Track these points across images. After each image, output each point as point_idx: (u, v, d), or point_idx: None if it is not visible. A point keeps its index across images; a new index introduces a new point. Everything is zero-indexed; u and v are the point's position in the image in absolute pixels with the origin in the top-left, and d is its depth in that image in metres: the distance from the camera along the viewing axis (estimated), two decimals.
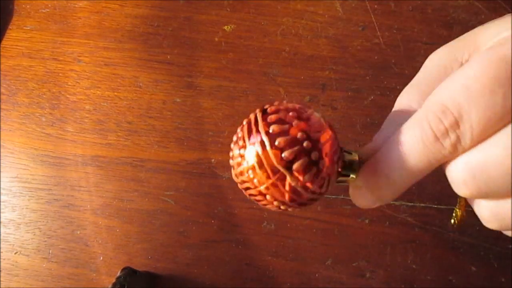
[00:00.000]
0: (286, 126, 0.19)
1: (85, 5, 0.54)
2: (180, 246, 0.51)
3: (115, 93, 0.52)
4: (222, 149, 0.50)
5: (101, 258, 0.52)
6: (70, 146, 0.53)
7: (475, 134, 0.16)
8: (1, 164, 0.53)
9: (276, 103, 0.21)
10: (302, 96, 0.50)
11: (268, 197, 0.19)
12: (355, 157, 0.21)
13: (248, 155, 0.19)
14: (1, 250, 0.53)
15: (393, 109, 0.22)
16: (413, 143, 0.18)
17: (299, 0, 0.52)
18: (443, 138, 0.17)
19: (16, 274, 0.53)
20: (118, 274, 0.50)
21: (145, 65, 0.52)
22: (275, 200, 0.19)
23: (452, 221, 0.23)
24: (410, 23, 0.50)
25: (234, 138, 0.20)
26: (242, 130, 0.20)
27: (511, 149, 0.15)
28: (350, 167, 0.21)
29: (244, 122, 0.20)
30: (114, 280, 0.48)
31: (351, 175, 0.21)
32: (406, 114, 0.20)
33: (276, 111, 0.20)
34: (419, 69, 0.24)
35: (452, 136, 0.17)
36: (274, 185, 0.19)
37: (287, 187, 0.19)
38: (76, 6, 0.54)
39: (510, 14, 0.19)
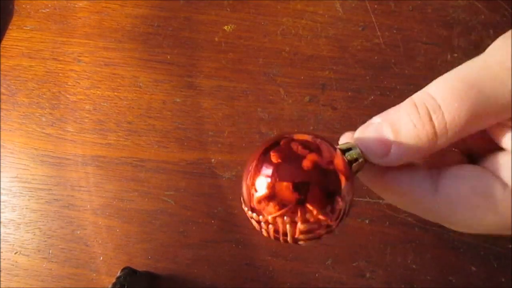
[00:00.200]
0: (298, 158, 0.18)
1: (85, 5, 0.54)
2: (180, 246, 0.51)
3: (115, 93, 0.52)
4: (222, 149, 0.50)
5: (101, 258, 0.52)
6: (70, 146, 0.53)
7: None
8: (1, 164, 0.53)
9: (287, 134, 0.20)
10: (302, 96, 0.50)
11: (278, 230, 0.19)
12: (356, 150, 0.20)
13: (259, 186, 0.19)
14: (1, 250, 0.53)
15: None
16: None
17: (299, 0, 0.52)
18: None
19: (16, 274, 0.53)
20: (118, 274, 0.50)
21: (145, 65, 0.52)
22: (286, 234, 0.19)
23: None
24: (410, 23, 0.50)
25: (247, 167, 0.20)
26: (254, 159, 0.19)
27: None
28: (356, 161, 0.20)
29: (257, 150, 0.20)
30: (114, 280, 0.48)
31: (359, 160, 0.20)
32: None
33: (288, 143, 0.19)
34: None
35: None
36: (285, 218, 0.18)
37: (299, 221, 0.18)
38: (76, 6, 0.54)
39: None
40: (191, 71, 0.52)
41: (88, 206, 0.52)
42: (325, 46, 0.51)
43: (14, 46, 0.54)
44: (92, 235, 0.52)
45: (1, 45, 0.55)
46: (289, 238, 0.19)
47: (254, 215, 0.19)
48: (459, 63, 0.19)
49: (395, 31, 0.50)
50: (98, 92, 0.53)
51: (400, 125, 0.18)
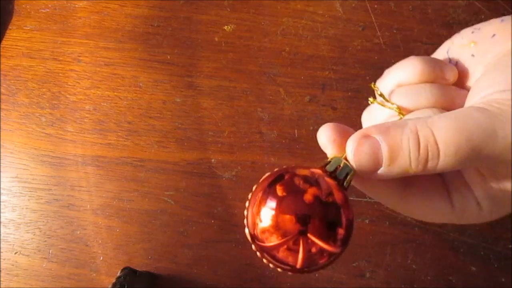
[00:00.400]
0: (301, 192, 0.19)
1: (85, 5, 0.54)
2: (180, 246, 0.51)
3: (115, 93, 0.52)
4: (222, 149, 0.50)
5: (101, 258, 0.52)
6: (70, 146, 0.53)
7: None
8: (1, 164, 0.53)
9: (291, 168, 0.21)
10: (302, 96, 0.50)
11: (281, 261, 0.20)
12: (347, 168, 0.21)
13: (264, 216, 0.20)
14: (1, 250, 0.53)
15: None
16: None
17: (299, 0, 0.52)
18: None
19: (16, 274, 0.53)
20: (118, 274, 0.50)
21: (145, 65, 0.52)
22: (288, 264, 0.20)
23: None
24: (410, 23, 0.50)
25: (249, 196, 0.21)
26: (261, 190, 0.21)
27: None
28: (347, 175, 0.21)
29: (264, 177, 0.21)
30: (114, 280, 0.48)
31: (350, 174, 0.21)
32: None
33: (291, 177, 0.20)
34: None
35: None
36: (288, 249, 0.19)
37: (301, 252, 0.19)
38: (76, 6, 0.54)
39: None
40: (191, 71, 0.52)
41: (88, 206, 0.52)
42: (325, 46, 0.51)
43: (14, 46, 0.54)
44: (92, 235, 0.52)
45: (1, 45, 0.55)
46: (289, 268, 0.20)
47: (259, 244, 0.20)
48: None
49: (395, 31, 0.50)
50: (98, 92, 0.53)
51: (399, 154, 0.19)
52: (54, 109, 0.53)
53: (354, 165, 0.20)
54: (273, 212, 0.19)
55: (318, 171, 0.21)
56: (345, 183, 0.21)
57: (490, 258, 0.47)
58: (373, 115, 0.25)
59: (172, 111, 0.52)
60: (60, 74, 0.53)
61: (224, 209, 0.50)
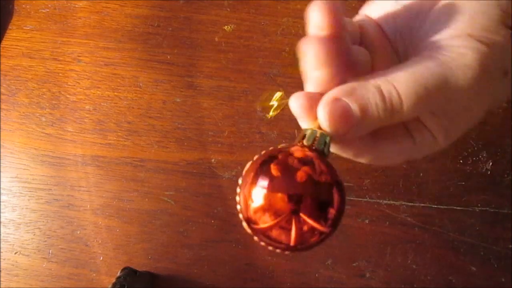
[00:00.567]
0: (292, 170, 0.19)
1: (85, 5, 0.54)
2: (180, 246, 0.51)
3: (115, 93, 0.52)
4: (222, 149, 0.50)
5: (101, 258, 0.52)
6: (70, 146, 0.53)
7: None
8: (1, 164, 0.53)
9: (283, 146, 0.21)
10: None
11: (274, 240, 0.20)
12: (325, 137, 0.21)
13: (255, 196, 0.20)
14: (1, 250, 0.53)
15: None
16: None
17: (299, 0, 0.52)
18: None
19: (16, 274, 0.53)
20: (118, 274, 0.50)
21: (145, 65, 0.52)
22: (282, 243, 0.20)
23: (271, 113, 0.23)
24: None
25: (240, 181, 0.21)
26: (252, 170, 0.20)
27: None
28: (325, 144, 0.21)
29: (254, 159, 0.21)
30: (114, 280, 0.48)
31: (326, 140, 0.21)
32: None
33: (285, 157, 0.20)
34: None
35: None
36: (280, 228, 0.19)
37: (293, 231, 0.19)
38: (76, 6, 0.54)
39: None
40: (191, 71, 0.52)
41: (88, 206, 0.52)
42: None
43: (14, 46, 0.54)
44: (92, 235, 0.52)
45: (1, 45, 0.55)
46: (284, 247, 0.20)
47: (251, 225, 0.20)
48: None
49: None
50: (98, 92, 0.53)
51: (368, 111, 0.20)
52: (54, 109, 0.53)
53: (329, 130, 0.21)
54: (265, 191, 0.19)
55: (297, 148, 0.21)
56: (325, 152, 0.21)
57: (490, 258, 0.47)
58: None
59: (172, 111, 0.52)
60: (60, 74, 0.53)
61: (224, 209, 0.50)
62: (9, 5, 0.55)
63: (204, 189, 0.51)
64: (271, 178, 0.19)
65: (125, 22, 0.53)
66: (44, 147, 0.53)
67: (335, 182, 0.20)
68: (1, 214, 0.53)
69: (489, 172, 0.47)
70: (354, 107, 0.20)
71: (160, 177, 0.51)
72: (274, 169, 0.20)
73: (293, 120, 0.53)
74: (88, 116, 0.53)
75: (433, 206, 0.48)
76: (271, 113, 0.25)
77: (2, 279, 0.53)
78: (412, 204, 0.48)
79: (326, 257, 0.49)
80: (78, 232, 0.52)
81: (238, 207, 0.21)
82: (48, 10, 0.54)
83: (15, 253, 0.53)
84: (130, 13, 0.53)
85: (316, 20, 0.22)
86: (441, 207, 0.48)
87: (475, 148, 0.47)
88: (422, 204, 0.48)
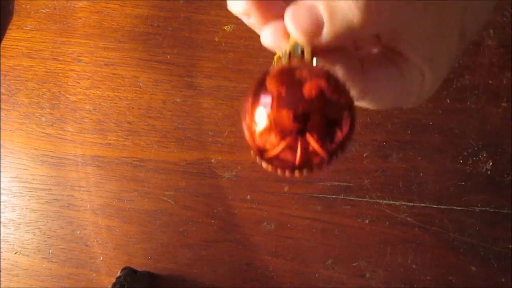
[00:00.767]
0: (299, 85, 0.17)
1: (85, 5, 0.54)
2: (180, 246, 0.51)
3: (115, 93, 0.52)
4: (222, 149, 0.50)
5: (101, 258, 0.52)
6: (70, 146, 0.53)
7: None
8: (1, 164, 0.53)
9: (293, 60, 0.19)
10: None
11: (281, 160, 0.18)
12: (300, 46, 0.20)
13: (258, 117, 0.18)
14: (1, 250, 0.53)
15: None
16: None
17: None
18: None
19: (16, 274, 0.53)
20: (118, 274, 0.50)
21: (145, 65, 0.52)
22: (288, 162, 0.18)
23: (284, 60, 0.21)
24: None
25: (243, 105, 0.19)
26: (250, 93, 0.18)
27: None
28: (302, 53, 0.20)
29: (254, 83, 0.19)
30: (114, 280, 0.48)
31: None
32: None
33: (290, 69, 0.18)
34: None
35: None
36: (286, 149, 0.17)
37: (299, 151, 0.17)
38: (76, 6, 0.54)
39: None
40: (191, 71, 0.52)
41: (88, 206, 0.52)
42: None
43: (14, 46, 0.54)
44: (92, 235, 0.52)
45: (1, 45, 0.55)
46: (290, 166, 0.18)
47: (257, 149, 0.18)
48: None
49: None
50: (98, 92, 0.53)
51: (336, 6, 0.19)
52: (54, 109, 0.53)
53: (298, 35, 0.19)
54: (268, 110, 0.17)
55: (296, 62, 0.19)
56: (306, 59, 0.19)
57: (490, 258, 0.47)
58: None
59: (172, 111, 0.52)
60: (60, 74, 0.53)
61: (224, 209, 0.50)
62: (9, 5, 0.55)
63: (204, 189, 0.51)
64: (275, 94, 0.17)
65: (125, 22, 0.53)
66: (44, 147, 0.53)
67: (348, 104, 0.18)
68: (1, 214, 0.53)
69: (489, 172, 0.47)
70: (320, 4, 0.19)
71: (160, 177, 0.51)
72: (277, 84, 0.18)
73: None
74: (88, 116, 0.53)
75: (433, 206, 0.48)
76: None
77: (2, 279, 0.53)
78: (412, 204, 0.48)
79: (326, 257, 0.49)
80: (78, 232, 0.52)
81: (246, 138, 0.19)
82: (48, 10, 0.54)
83: (15, 253, 0.53)
84: (130, 13, 0.53)
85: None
86: (441, 207, 0.48)
87: (475, 148, 0.47)
88: (422, 204, 0.48)
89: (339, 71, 0.21)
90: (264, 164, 0.19)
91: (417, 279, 0.48)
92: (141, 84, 0.52)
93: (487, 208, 0.47)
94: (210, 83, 0.51)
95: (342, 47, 0.22)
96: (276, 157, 0.18)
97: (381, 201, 0.48)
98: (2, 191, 0.53)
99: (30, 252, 0.53)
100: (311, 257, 0.49)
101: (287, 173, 0.18)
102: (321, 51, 0.20)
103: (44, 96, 0.53)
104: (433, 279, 0.48)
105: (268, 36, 0.21)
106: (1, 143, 0.54)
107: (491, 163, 0.47)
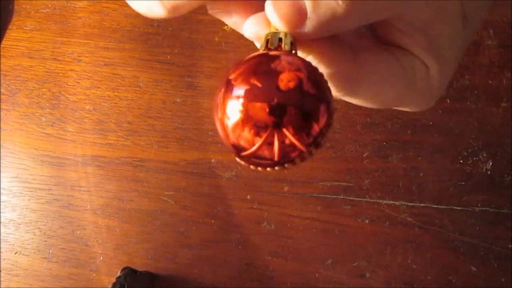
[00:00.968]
0: (275, 75, 0.16)
1: (85, 5, 0.54)
2: (180, 246, 0.51)
3: (115, 93, 0.52)
4: (222, 149, 0.50)
5: (101, 258, 0.52)
6: (70, 146, 0.53)
7: None
8: (1, 164, 0.53)
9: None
10: None
11: (259, 157, 0.17)
12: (289, 37, 0.19)
13: (230, 110, 0.17)
14: (1, 250, 0.53)
15: None
16: None
17: None
18: None
19: (16, 274, 0.53)
20: (118, 274, 0.50)
21: (145, 65, 0.52)
22: (266, 159, 0.17)
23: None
24: None
25: (214, 100, 0.18)
26: (221, 85, 0.17)
27: None
28: (292, 44, 0.19)
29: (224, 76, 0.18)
30: (114, 280, 0.48)
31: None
32: None
33: (265, 58, 0.17)
34: None
35: None
36: (262, 144, 0.16)
37: (276, 146, 0.16)
38: (76, 6, 0.54)
39: None
40: (191, 71, 0.52)
41: (88, 206, 0.52)
42: None
43: (14, 46, 0.54)
44: (92, 235, 0.52)
45: (1, 45, 0.55)
46: (268, 163, 0.17)
47: (232, 147, 0.18)
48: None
49: None
50: (98, 92, 0.53)
51: None
52: (54, 109, 0.53)
53: (279, 22, 0.18)
54: (241, 102, 0.16)
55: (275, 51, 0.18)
56: (292, 49, 0.18)
57: (490, 258, 0.47)
58: None
59: (172, 111, 0.52)
60: (60, 74, 0.54)
61: (224, 209, 0.50)
62: (9, 5, 0.55)
63: (204, 189, 0.51)
64: (249, 85, 0.16)
65: (125, 22, 0.53)
66: (44, 147, 0.53)
67: (325, 95, 0.17)
68: (1, 214, 0.53)
69: (489, 172, 0.47)
70: None
71: (160, 177, 0.51)
72: (251, 74, 0.17)
73: None
74: (88, 116, 0.53)
75: (433, 206, 0.48)
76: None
77: (2, 279, 0.53)
78: (412, 204, 0.48)
79: (326, 257, 0.49)
80: (78, 232, 0.52)
81: (220, 134, 0.18)
82: (48, 10, 0.54)
83: (15, 253, 0.53)
84: (130, 13, 0.53)
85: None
86: (441, 207, 0.48)
87: (475, 148, 0.47)
88: (422, 204, 0.48)
89: (325, 59, 0.20)
90: (241, 162, 0.18)
91: (417, 279, 0.48)
92: (141, 84, 0.52)
93: (487, 208, 0.47)
94: (210, 83, 0.51)
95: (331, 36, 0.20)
96: (253, 154, 0.17)
97: (381, 201, 0.48)
98: (2, 191, 0.53)
99: (30, 252, 0.53)
100: (311, 257, 0.49)
101: (268, 169, 0.18)
102: (303, 40, 0.19)
103: (44, 96, 0.53)
104: (433, 279, 0.48)
105: (250, 26, 0.20)
106: (1, 143, 0.54)
107: (491, 163, 0.47)
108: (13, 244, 0.53)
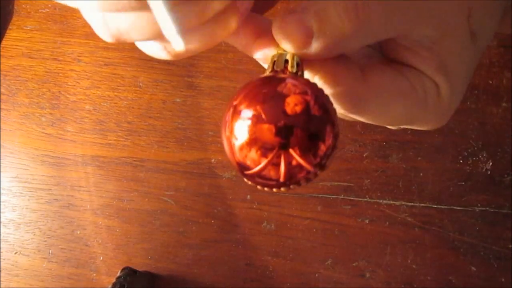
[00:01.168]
0: (282, 98, 0.17)
1: None
2: (180, 246, 0.51)
3: (115, 93, 0.52)
4: (222, 149, 0.50)
5: (101, 258, 0.52)
6: (70, 146, 0.53)
7: None
8: (1, 164, 0.53)
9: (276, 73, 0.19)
10: None
11: (264, 177, 0.18)
12: (296, 58, 0.19)
13: (238, 131, 0.17)
14: (1, 250, 0.53)
15: None
16: None
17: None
18: None
19: (16, 274, 0.53)
20: (118, 274, 0.50)
21: (145, 65, 0.52)
22: (272, 179, 0.17)
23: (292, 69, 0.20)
24: None
25: (223, 118, 0.18)
26: (229, 106, 0.18)
27: None
28: (298, 66, 0.19)
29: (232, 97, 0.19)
30: (114, 280, 0.48)
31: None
32: None
33: (273, 80, 0.18)
34: None
35: None
36: (269, 164, 0.17)
37: (282, 166, 0.17)
38: None
39: None
40: (191, 71, 0.52)
41: (88, 206, 0.52)
42: None
43: (14, 46, 0.54)
44: (92, 235, 0.52)
45: (1, 45, 0.55)
46: (274, 184, 0.18)
47: (239, 166, 0.18)
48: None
49: None
50: (98, 92, 0.53)
51: (326, 15, 0.18)
52: (54, 109, 0.53)
53: (286, 44, 0.18)
54: (249, 123, 0.17)
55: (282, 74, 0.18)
56: (299, 73, 0.19)
57: (490, 258, 0.47)
58: None
59: (172, 111, 0.52)
60: (60, 74, 0.54)
61: (224, 209, 0.50)
62: (9, 5, 0.55)
63: (204, 189, 0.51)
64: (258, 107, 0.17)
65: None
66: (44, 147, 0.53)
67: (331, 117, 0.17)
68: (1, 214, 0.53)
69: (489, 172, 0.47)
70: (309, 14, 0.18)
71: (160, 177, 0.51)
72: (260, 97, 0.17)
73: None
74: (88, 116, 0.53)
75: (433, 206, 0.48)
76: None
77: (2, 279, 0.53)
78: (412, 204, 0.48)
79: (326, 257, 0.49)
80: (78, 232, 0.52)
81: (227, 153, 0.18)
82: (48, 10, 0.54)
83: (15, 253, 0.53)
84: None
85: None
86: (441, 207, 0.48)
87: (475, 148, 0.47)
88: (422, 204, 0.48)
89: (332, 78, 0.20)
90: (248, 182, 0.18)
91: (417, 279, 0.48)
92: (141, 84, 0.52)
93: (487, 208, 0.47)
94: (210, 83, 0.51)
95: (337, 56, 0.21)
96: (258, 174, 0.17)
97: (381, 201, 0.48)
98: (2, 191, 0.53)
99: (30, 252, 0.53)
100: (311, 257, 0.49)
101: (274, 190, 0.18)
102: (311, 60, 0.20)
103: (44, 96, 0.53)
104: (433, 279, 0.48)
105: (258, 48, 0.21)
106: (1, 143, 0.54)
107: (491, 163, 0.47)
108: (13, 244, 0.53)
